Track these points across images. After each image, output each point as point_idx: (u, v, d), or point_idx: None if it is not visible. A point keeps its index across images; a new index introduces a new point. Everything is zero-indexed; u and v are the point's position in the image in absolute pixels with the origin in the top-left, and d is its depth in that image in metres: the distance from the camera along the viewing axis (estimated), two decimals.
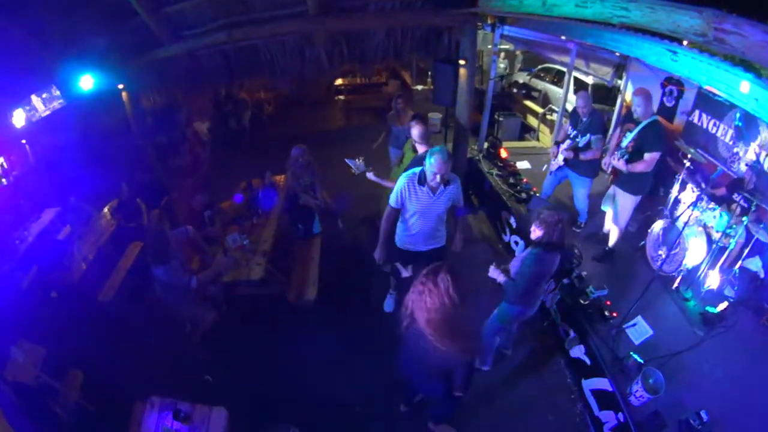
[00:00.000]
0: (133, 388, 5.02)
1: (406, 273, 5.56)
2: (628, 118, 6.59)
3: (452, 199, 5.29)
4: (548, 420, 5.59)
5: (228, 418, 4.53)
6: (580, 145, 6.87)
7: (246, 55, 7.64)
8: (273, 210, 7.74)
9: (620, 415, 4.92)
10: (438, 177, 4.87)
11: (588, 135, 6.78)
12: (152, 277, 5.49)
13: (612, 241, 6.98)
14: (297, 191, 7.85)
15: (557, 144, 7.42)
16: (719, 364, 5.36)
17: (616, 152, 6.49)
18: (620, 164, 6.36)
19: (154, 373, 5.62)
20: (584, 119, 6.94)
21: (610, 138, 7.34)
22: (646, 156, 6.18)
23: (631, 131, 6.40)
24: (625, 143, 6.43)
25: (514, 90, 14.65)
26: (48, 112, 6.14)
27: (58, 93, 6.27)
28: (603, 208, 7.21)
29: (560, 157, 7.23)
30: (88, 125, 8.21)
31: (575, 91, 11.68)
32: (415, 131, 6.24)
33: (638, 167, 6.25)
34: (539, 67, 14.26)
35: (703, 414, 4.62)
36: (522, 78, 15.14)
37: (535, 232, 4.68)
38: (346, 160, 6.75)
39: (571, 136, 7.03)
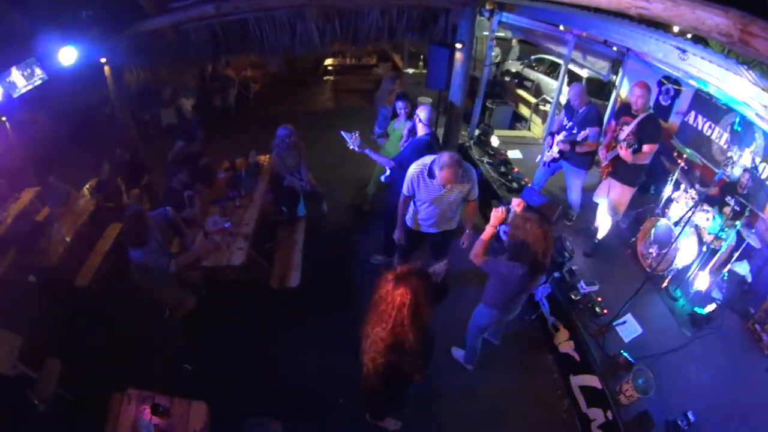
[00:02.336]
0: (111, 377, 4.96)
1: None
2: (624, 111, 6.62)
3: (463, 193, 5.30)
4: (535, 416, 5.58)
5: (208, 411, 4.42)
6: (579, 138, 6.83)
7: (234, 29, 7.32)
8: (256, 191, 7.56)
9: (608, 413, 4.93)
10: (448, 186, 4.96)
11: (586, 128, 6.74)
12: (130, 260, 5.30)
13: (602, 234, 6.90)
14: (282, 172, 7.68)
15: (552, 135, 7.41)
16: (706, 366, 5.41)
17: (622, 143, 6.48)
18: (626, 154, 6.34)
19: (132, 360, 5.50)
20: (580, 111, 6.95)
21: (606, 131, 7.27)
22: (645, 147, 6.26)
23: (627, 124, 6.42)
24: (622, 136, 6.45)
25: (507, 79, 14.57)
26: (29, 87, 5.86)
27: (39, 68, 5.99)
28: (596, 199, 7.22)
29: (555, 149, 7.22)
30: (69, 101, 7.99)
31: (569, 84, 11.66)
32: (423, 113, 6.23)
33: (640, 158, 6.34)
34: (534, 57, 14.28)
35: (690, 415, 4.66)
36: (515, 67, 15.15)
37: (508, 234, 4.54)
38: (342, 132, 6.54)
39: (567, 127, 7.02)
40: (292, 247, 7.02)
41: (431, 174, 5.04)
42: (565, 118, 7.24)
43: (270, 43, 7.56)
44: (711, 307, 5.91)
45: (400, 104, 7.23)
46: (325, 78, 16.49)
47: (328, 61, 16.05)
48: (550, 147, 7.36)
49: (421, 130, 6.29)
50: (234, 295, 6.40)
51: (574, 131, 6.85)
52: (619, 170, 6.69)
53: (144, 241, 5.10)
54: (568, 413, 5.61)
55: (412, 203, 5.62)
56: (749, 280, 6.27)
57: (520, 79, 14.26)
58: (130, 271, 5.45)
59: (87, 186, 7.66)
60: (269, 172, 7.99)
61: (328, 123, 11.95)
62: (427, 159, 5.15)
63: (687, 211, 5.95)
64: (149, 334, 5.95)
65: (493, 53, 14.18)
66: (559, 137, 7.11)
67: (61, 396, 5.07)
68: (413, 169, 5.22)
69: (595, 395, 5.20)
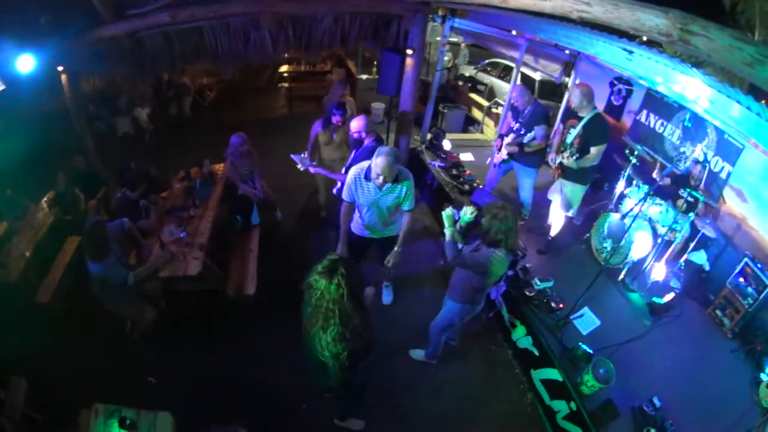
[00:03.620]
0: (77, 394, 4.78)
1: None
2: (570, 114, 6.69)
3: (400, 197, 5.22)
4: (499, 411, 5.64)
5: (173, 422, 4.35)
6: (525, 141, 6.91)
7: (189, 37, 7.22)
8: (210, 200, 7.42)
9: (572, 404, 5.00)
10: (381, 178, 4.82)
11: (533, 127, 6.82)
12: (89, 273, 5.16)
13: (555, 231, 7.09)
14: (236, 181, 7.63)
15: (501, 137, 7.46)
16: (668, 352, 5.55)
17: (562, 151, 6.64)
18: (570, 162, 6.50)
19: (98, 375, 5.36)
20: (525, 111, 7.00)
21: (554, 134, 7.37)
22: (593, 150, 6.34)
23: (574, 127, 6.50)
24: (570, 139, 6.54)
25: (460, 83, 14.71)
26: None
27: None
28: (550, 197, 7.27)
29: (504, 152, 7.28)
30: (25, 111, 7.80)
31: None
32: (361, 122, 6.31)
33: (588, 161, 6.42)
34: (487, 61, 14.54)
35: (655, 400, 4.79)
36: (468, 71, 15.38)
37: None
38: (292, 156, 6.63)
39: (515, 129, 7.09)
40: (248, 255, 6.95)
41: (368, 177, 5.01)
42: (512, 120, 7.30)
43: (224, 51, 7.49)
44: (669, 296, 6.06)
45: (335, 113, 7.18)
46: (280, 85, 16.39)
47: (284, 68, 15.92)
48: (499, 149, 7.41)
49: (365, 139, 6.38)
50: (193, 305, 6.32)
51: (522, 132, 6.93)
52: (569, 172, 6.75)
53: (104, 253, 5.03)
54: (532, 406, 5.68)
55: (355, 210, 5.58)
56: (707, 268, 6.49)
57: (474, 83, 14.47)
58: (89, 285, 5.33)
59: (45, 198, 7.42)
60: (223, 180, 7.90)
61: (282, 130, 11.94)
62: (365, 163, 5.11)
63: (636, 204, 6.05)
64: (112, 348, 5.84)
65: (446, 58, 14.34)
66: (507, 139, 7.18)
67: (31, 417, 4.81)
68: (351, 173, 5.17)
69: (557, 387, 5.27)
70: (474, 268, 4.65)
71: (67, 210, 7.34)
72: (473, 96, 13.41)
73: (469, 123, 12.80)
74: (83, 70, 7.44)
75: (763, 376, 5.12)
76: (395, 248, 5.54)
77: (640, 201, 6.06)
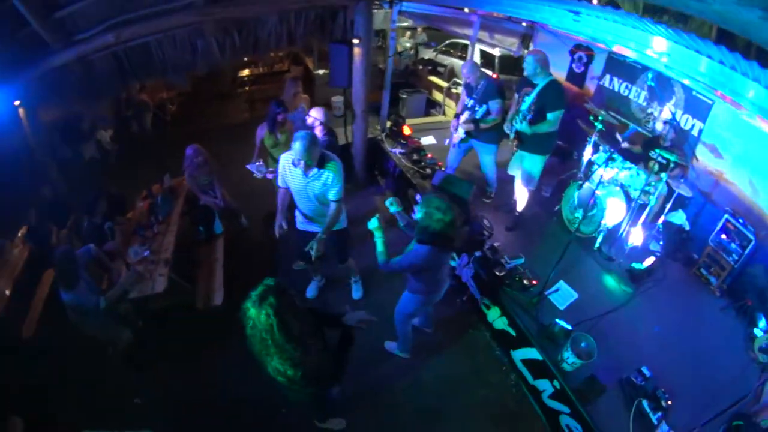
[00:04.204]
0: (68, 424, 4.87)
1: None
2: (525, 83, 6.47)
3: (327, 184, 5.08)
4: (483, 395, 5.50)
5: None
6: (477, 116, 6.74)
7: (137, 54, 7.04)
8: (172, 215, 7.26)
9: (555, 382, 4.86)
10: (302, 163, 4.79)
11: (488, 102, 6.65)
12: (64, 303, 5.11)
13: (521, 205, 6.89)
14: (196, 192, 7.49)
15: (457, 117, 7.26)
16: (654, 318, 5.41)
17: (516, 116, 6.44)
18: (523, 126, 6.30)
19: (86, 402, 5.30)
20: (478, 87, 6.78)
21: (512, 105, 7.12)
22: (549, 116, 6.13)
23: (528, 95, 6.29)
24: (524, 107, 6.33)
25: (420, 66, 14.62)
26: None
27: None
28: (510, 171, 7.15)
29: (461, 131, 7.08)
30: None
31: (482, 65, 11.74)
32: (319, 113, 6.29)
33: (542, 128, 6.21)
34: (446, 42, 14.36)
35: (644, 370, 4.66)
36: (428, 54, 15.21)
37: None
38: (247, 166, 6.58)
39: (469, 106, 6.90)
40: (213, 265, 6.82)
41: (295, 163, 4.97)
42: (467, 98, 7.12)
43: (173, 64, 7.32)
44: (650, 261, 5.92)
45: (277, 111, 7.03)
46: (241, 90, 16.21)
47: (243, 73, 15.81)
48: (456, 129, 7.23)
49: (319, 133, 6.32)
50: (166, 321, 6.23)
51: (476, 108, 6.75)
52: (526, 141, 6.55)
53: (74, 282, 5.03)
54: (516, 387, 5.55)
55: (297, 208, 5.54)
56: (687, 228, 6.40)
57: (434, 66, 14.32)
58: (67, 314, 5.26)
59: (19, 234, 7.24)
60: (185, 193, 7.78)
61: (245, 135, 11.60)
62: None
63: (597, 168, 5.99)
64: (98, 373, 5.72)
65: (408, 44, 14.29)
66: (463, 117, 7.00)
67: None
68: (282, 159, 5.17)
69: (539, 367, 5.13)
70: (407, 271, 4.58)
71: (41, 243, 7.19)
72: (433, 78, 13.33)
73: (431, 106, 12.65)
74: (40, 102, 7.25)
75: (756, 331, 5.12)
76: (318, 235, 5.28)
77: (601, 165, 6.00)
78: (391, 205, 4.82)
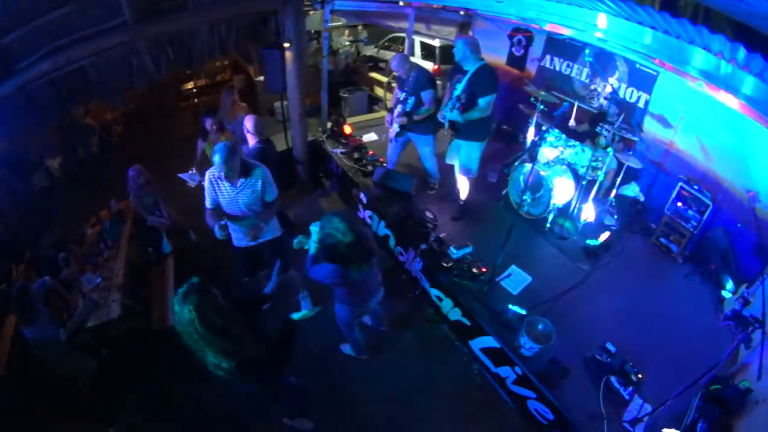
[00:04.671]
0: None
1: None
2: (456, 70, 6.30)
3: (257, 190, 5.04)
4: (448, 388, 5.38)
5: None
6: (407, 108, 6.65)
7: (74, 78, 6.90)
8: (121, 239, 7.14)
9: (517, 369, 4.75)
10: (224, 175, 4.78)
11: (420, 93, 6.54)
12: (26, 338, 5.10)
13: (464, 194, 6.72)
14: (143, 213, 7.42)
15: (390, 111, 7.15)
16: (615, 293, 5.36)
17: (447, 105, 6.27)
18: (454, 114, 6.09)
19: None
20: (409, 79, 6.66)
21: (445, 93, 6.97)
22: (481, 101, 5.95)
23: (460, 81, 6.11)
24: (456, 94, 6.15)
25: (359, 64, 14.51)
26: None
27: None
28: (448, 161, 6.98)
29: (395, 125, 6.95)
30: None
31: (423, 56, 11.77)
32: (249, 123, 6.11)
33: (474, 115, 6.02)
34: (387, 37, 14.31)
35: (609, 346, 4.63)
36: (370, 51, 15.13)
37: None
38: (180, 175, 6.49)
39: (402, 99, 6.79)
40: (165, 285, 6.74)
41: (221, 176, 4.89)
42: (399, 91, 6.99)
43: (110, 85, 7.19)
44: (605, 236, 5.91)
45: (208, 121, 6.97)
46: (185, 103, 15.90)
47: (187, 86, 15.56)
48: (391, 124, 7.09)
49: (251, 141, 6.19)
50: (127, 346, 6.16)
51: (409, 101, 6.65)
52: (461, 129, 6.35)
53: (33, 317, 4.97)
54: (480, 376, 5.42)
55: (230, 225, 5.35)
56: (642, 199, 6.45)
57: (375, 62, 14.20)
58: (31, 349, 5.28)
59: None
60: (131, 216, 7.69)
61: (191, 149, 11.41)
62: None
63: (530, 146, 5.97)
64: (69, 407, 5.59)
65: (347, 42, 14.37)
66: (396, 111, 6.88)
67: None
68: (207, 177, 4.98)
69: (498, 354, 5.01)
70: (324, 282, 4.47)
71: (2, 281, 7.03)
72: (373, 75, 13.29)
73: (374, 102, 12.56)
74: None
75: (725, 293, 5.24)
76: (257, 221, 5.24)
77: (541, 144, 6.09)
78: (298, 245, 4.78)
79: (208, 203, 5.08)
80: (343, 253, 4.10)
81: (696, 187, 5.64)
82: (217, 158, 4.55)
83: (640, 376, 4.37)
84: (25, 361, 5.88)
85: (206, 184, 4.98)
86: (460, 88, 5.99)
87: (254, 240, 5.21)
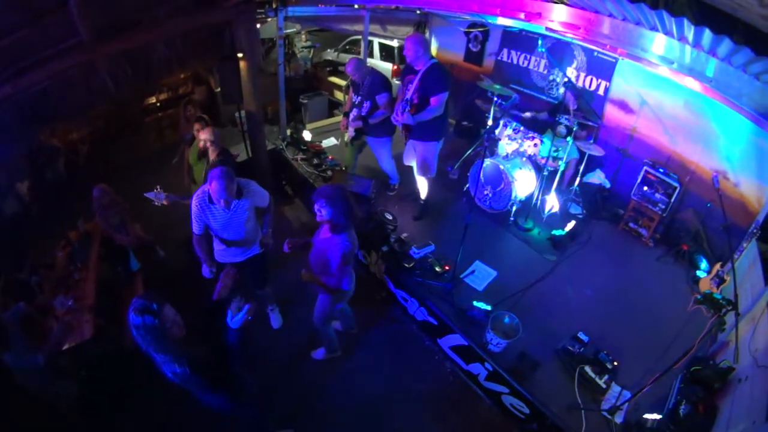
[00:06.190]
0: None
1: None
2: (408, 71, 6.19)
3: (251, 207, 4.90)
4: (422, 389, 5.26)
5: None
6: (363, 112, 6.57)
7: (37, 102, 6.85)
8: (90, 259, 7.04)
9: (487, 365, 4.68)
10: (223, 201, 4.48)
11: (375, 97, 6.47)
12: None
13: (424, 193, 6.66)
14: (110, 232, 7.28)
15: (346, 115, 7.11)
16: (585, 282, 5.35)
17: (398, 107, 6.18)
18: (404, 118, 5.97)
19: None
20: (364, 84, 6.58)
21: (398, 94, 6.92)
22: (433, 100, 5.85)
23: (411, 82, 6.02)
24: (409, 95, 6.06)
25: (318, 68, 14.47)
26: None
27: None
28: (406, 162, 6.92)
29: (350, 129, 6.91)
30: None
31: (382, 57, 11.85)
32: (205, 134, 5.93)
33: (427, 115, 5.89)
34: (346, 40, 14.26)
35: (581, 335, 4.65)
36: (330, 56, 15.10)
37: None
38: (146, 195, 6.15)
39: (357, 104, 6.72)
40: None
41: (211, 199, 4.63)
42: (354, 95, 6.88)
43: (70, 105, 7.17)
44: (571, 225, 5.90)
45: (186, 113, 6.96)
46: (149, 118, 15.72)
47: (150, 101, 15.30)
48: (346, 128, 7.05)
49: (212, 154, 6.02)
50: (107, 366, 5.99)
51: (364, 105, 6.58)
52: (414, 130, 6.18)
53: (8, 344, 4.94)
54: (453, 375, 5.33)
55: (213, 238, 5.14)
56: (607, 186, 6.47)
57: (334, 66, 14.17)
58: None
59: None
60: (99, 236, 7.53)
61: (157, 164, 11.30)
62: (205, 186, 4.68)
63: (486, 140, 5.62)
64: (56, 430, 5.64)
65: (305, 48, 14.24)
66: (352, 115, 6.83)
67: None
68: (194, 201, 4.72)
69: (467, 352, 4.94)
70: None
71: None
72: (333, 79, 13.24)
73: (334, 106, 12.39)
74: None
75: (699, 273, 5.29)
76: (265, 231, 5.21)
77: (492, 135, 6.14)
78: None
79: (195, 229, 4.87)
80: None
81: (661, 170, 5.64)
82: (216, 186, 4.34)
83: (615, 363, 4.33)
84: (8, 387, 5.72)
85: (194, 209, 4.75)
86: (412, 88, 5.92)
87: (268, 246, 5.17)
